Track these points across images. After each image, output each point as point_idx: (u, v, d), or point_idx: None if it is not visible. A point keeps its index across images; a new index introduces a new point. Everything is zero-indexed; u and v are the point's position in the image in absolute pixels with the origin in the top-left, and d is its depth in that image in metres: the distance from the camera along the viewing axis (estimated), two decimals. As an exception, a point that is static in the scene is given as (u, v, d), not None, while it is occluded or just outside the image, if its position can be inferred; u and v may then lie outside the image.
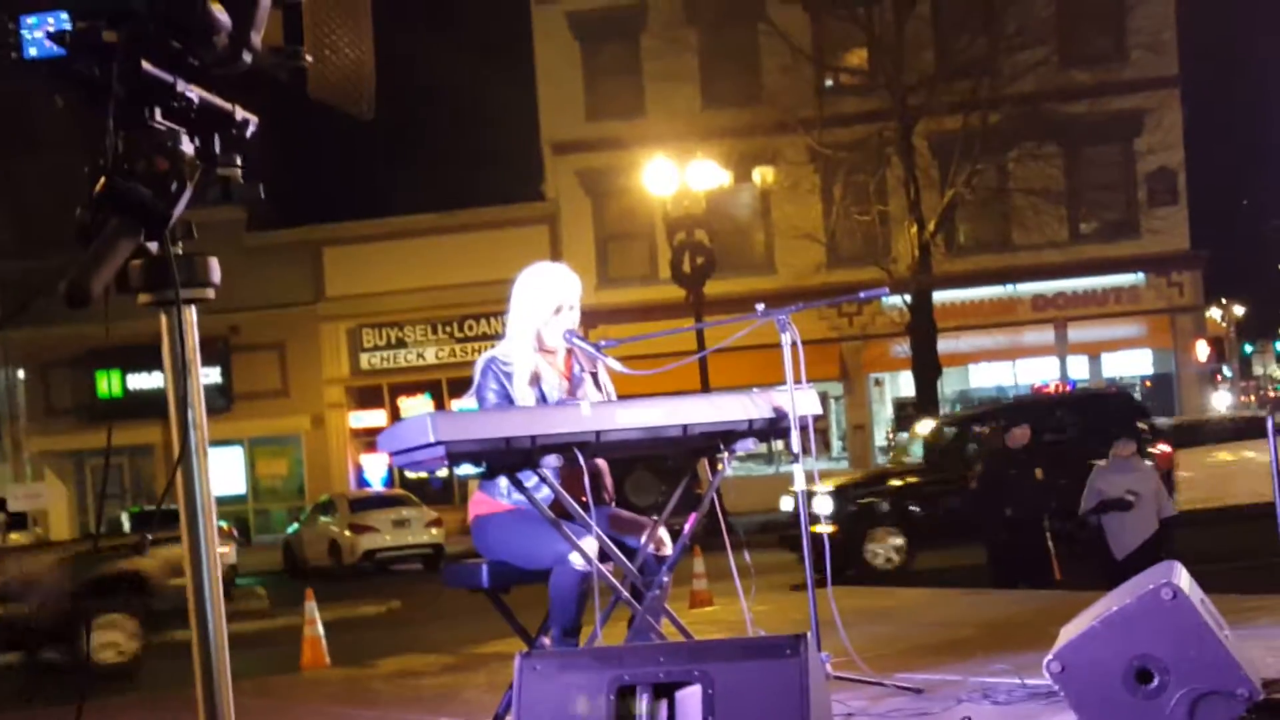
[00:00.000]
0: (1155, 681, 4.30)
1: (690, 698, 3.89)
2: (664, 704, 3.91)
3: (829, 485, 18.05)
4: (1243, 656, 4.41)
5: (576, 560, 5.12)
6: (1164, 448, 18.52)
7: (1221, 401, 43.13)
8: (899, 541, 17.43)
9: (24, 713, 8.90)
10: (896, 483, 18.57)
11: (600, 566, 5.15)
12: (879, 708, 5.42)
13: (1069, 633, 4.60)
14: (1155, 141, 32.68)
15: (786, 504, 17.83)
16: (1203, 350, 35.03)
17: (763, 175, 29.84)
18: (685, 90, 33.50)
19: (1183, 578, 4.53)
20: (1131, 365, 35.89)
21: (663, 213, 28.20)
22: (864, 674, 5.82)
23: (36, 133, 23.52)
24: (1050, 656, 4.48)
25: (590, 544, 5.11)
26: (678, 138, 28.69)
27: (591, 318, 6.07)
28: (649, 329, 23.42)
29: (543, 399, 5.42)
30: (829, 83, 32.31)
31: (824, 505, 16.50)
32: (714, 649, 4.03)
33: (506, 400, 5.37)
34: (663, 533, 5.48)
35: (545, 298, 5.53)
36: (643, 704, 3.90)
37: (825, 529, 15.56)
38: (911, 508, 17.89)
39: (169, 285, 2.49)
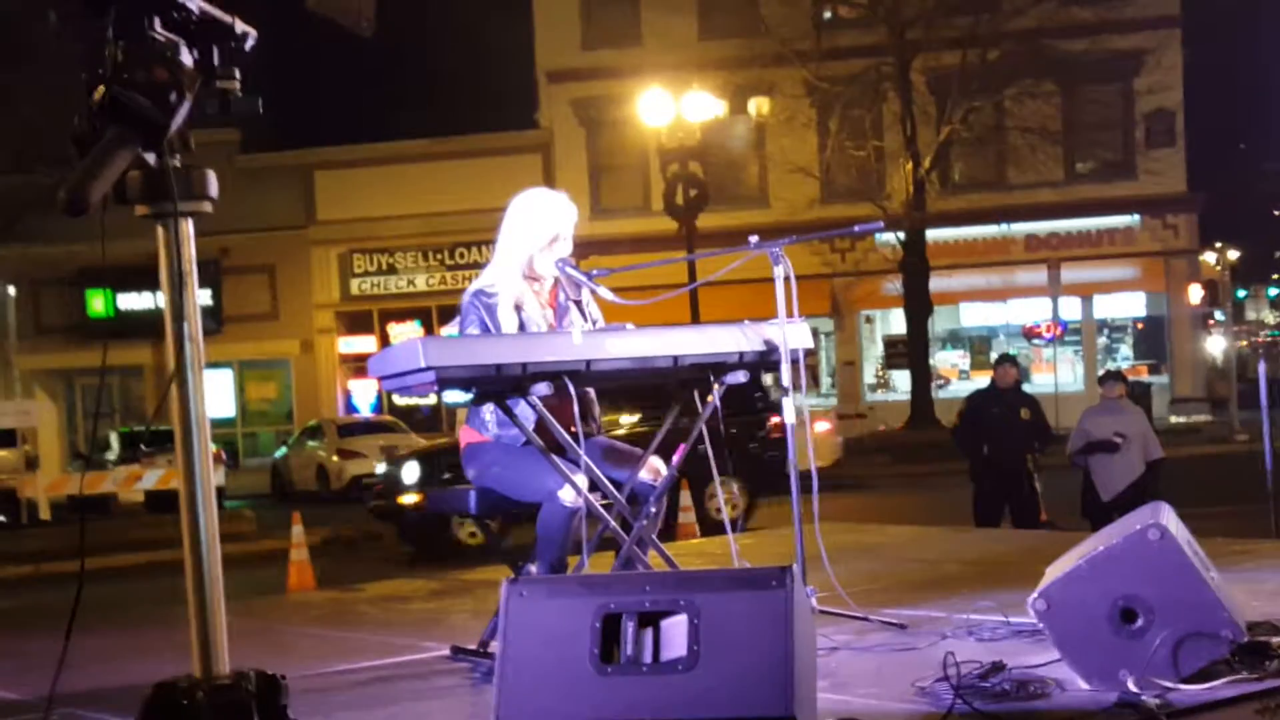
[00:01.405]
0: (1140, 621, 4.33)
1: (676, 627, 3.91)
2: (649, 632, 3.92)
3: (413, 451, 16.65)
4: (1228, 599, 4.43)
5: (566, 496, 5.12)
6: (776, 419, 18.11)
7: (1215, 346, 43.13)
8: None
9: (12, 629, 8.94)
10: None
11: (590, 498, 5.15)
12: (863, 642, 5.44)
13: (1054, 571, 4.62)
14: (1154, 82, 32.54)
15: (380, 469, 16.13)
16: (1196, 294, 35.06)
17: (758, 107, 29.66)
18: (683, 20, 33.28)
19: (1170, 519, 4.54)
20: (1124, 307, 35.91)
21: (657, 144, 28.04)
22: (849, 608, 5.84)
23: (28, 48, 23.29)
24: (1035, 595, 4.50)
25: (581, 480, 5.10)
26: (674, 68, 28.51)
27: (583, 248, 6.04)
28: (641, 260, 23.38)
29: (522, 328, 5.40)
30: (827, 15, 32.10)
31: (410, 473, 15.54)
32: (700, 579, 4.04)
33: (487, 333, 5.35)
34: (656, 460, 5.49)
35: (543, 226, 5.49)
36: (628, 632, 3.91)
37: (411, 498, 15.10)
38: None
39: (167, 197, 2.48)
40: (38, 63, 22.03)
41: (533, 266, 5.49)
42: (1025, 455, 12.70)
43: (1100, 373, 15.56)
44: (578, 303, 5.61)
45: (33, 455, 26.51)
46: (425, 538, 15.62)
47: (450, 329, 5.57)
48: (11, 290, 35.33)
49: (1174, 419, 31.93)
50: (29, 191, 26.50)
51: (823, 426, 24.59)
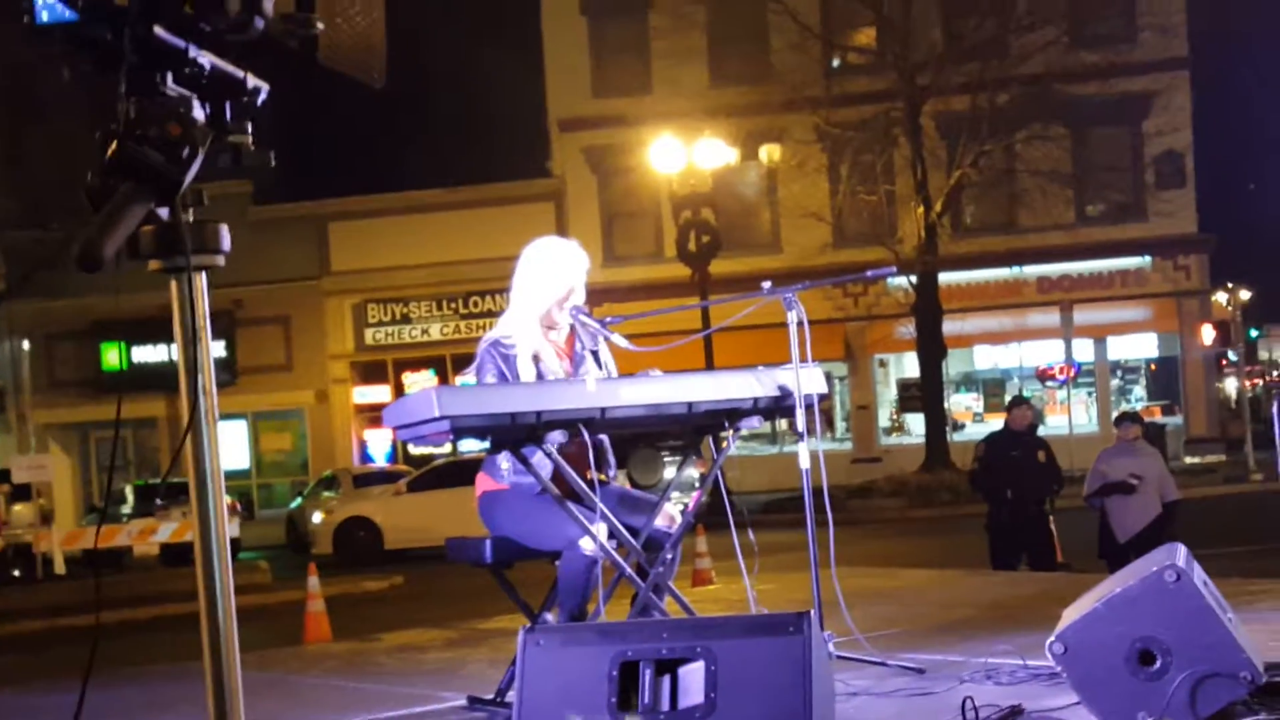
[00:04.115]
0: (1158, 663, 4.30)
1: (693, 674, 3.90)
2: (666, 680, 3.91)
3: None
4: (1245, 640, 4.41)
5: (587, 545, 5.11)
6: None
7: (1233, 387, 42.81)
8: None
9: (27, 684, 8.93)
10: None
11: (608, 548, 5.14)
12: (882, 687, 5.42)
13: (1071, 614, 4.60)
14: (1163, 124, 32.61)
15: None
16: (1208, 334, 34.97)
17: (769, 154, 29.78)
18: (693, 68, 33.43)
19: (1186, 560, 4.52)
20: (1136, 349, 35.85)
21: (669, 191, 28.18)
22: (867, 653, 5.82)
23: (42, 102, 23.52)
24: (1053, 638, 4.48)
25: (600, 529, 5.10)
26: (685, 115, 28.64)
27: (597, 296, 6.06)
28: (654, 307, 23.41)
29: (540, 378, 5.40)
30: (836, 62, 32.22)
31: None
32: (717, 626, 4.03)
33: (504, 383, 5.35)
34: (671, 508, 5.48)
35: (557, 280, 5.49)
36: (645, 680, 3.90)
37: None
38: None
39: (180, 252, 2.50)
40: (51, 118, 22.21)
41: (549, 318, 5.51)
42: (1044, 498, 12.67)
43: (1115, 414, 15.53)
44: (594, 353, 5.62)
45: (47, 509, 26.51)
46: None
47: (466, 378, 5.57)
48: (26, 344, 35.49)
49: (1189, 459, 31.81)
50: (43, 246, 26.68)
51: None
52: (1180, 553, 4.57)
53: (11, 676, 10.68)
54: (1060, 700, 4.64)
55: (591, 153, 34.92)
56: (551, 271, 5.52)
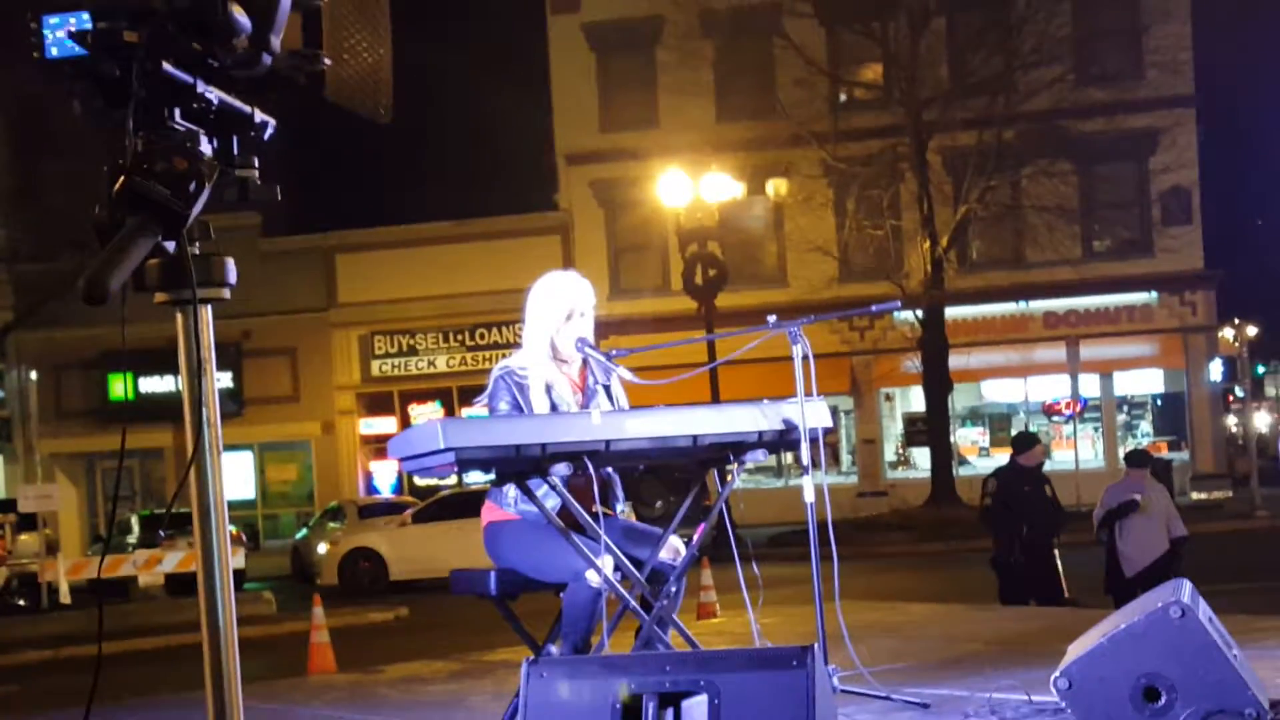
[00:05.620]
0: (1163, 700, 4.30)
1: (696, 707, 3.89)
2: (670, 713, 3.91)
3: None
4: (1251, 676, 4.40)
5: (593, 578, 5.11)
6: None
7: (1261, 422, 42.41)
8: None
9: (30, 714, 8.93)
10: None
11: (613, 581, 5.14)
12: (885, 722, 5.41)
13: (1077, 650, 4.60)
14: (1170, 160, 32.65)
15: None
16: (1215, 370, 34.91)
17: (776, 188, 29.84)
18: (699, 102, 33.55)
19: (1192, 596, 4.52)
20: (1143, 384, 35.80)
21: (675, 224, 28.21)
22: (871, 687, 5.81)
23: (54, 136, 23.66)
24: (1058, 673, 4.47)
25: (606, 561, 5.10)
26: (691, 149, 28.70)
27: (603, 329, 6.06)
28: (660, 340, 23.41)
29: (554, 410, 5.42)
30: (843, 97, 32.34)
31: None
32: (721, 659, 4.03)
33: (518, 411, 5.37)
34: (676, 540, 5.48)
35: (558, 304, 5.54)
36: (649, 713, 3.90)
37: None
38: None
39: (186, 285, 2.51)
40: (61, 151, 22.34)
41: (556, 347, 5.52)
42: (1052, 532, 12.65)
43: (1121, 450, 15.53)
44: (606, 387, 5.64)
45: (53, 539, 26.50)
46: None
47: (477, 408, 5.58)
48: (34, 374, 35.55)
49: (1195, 495, 31.72)
50: (52, 277, 26.77)
51: None
52: (1185, 588, 4.57)
53: (15, 706, 10.67)
54: (1065, 736, 4.63)
55: (598, 186, 35.02)
56: (551, 296, 5.56)
